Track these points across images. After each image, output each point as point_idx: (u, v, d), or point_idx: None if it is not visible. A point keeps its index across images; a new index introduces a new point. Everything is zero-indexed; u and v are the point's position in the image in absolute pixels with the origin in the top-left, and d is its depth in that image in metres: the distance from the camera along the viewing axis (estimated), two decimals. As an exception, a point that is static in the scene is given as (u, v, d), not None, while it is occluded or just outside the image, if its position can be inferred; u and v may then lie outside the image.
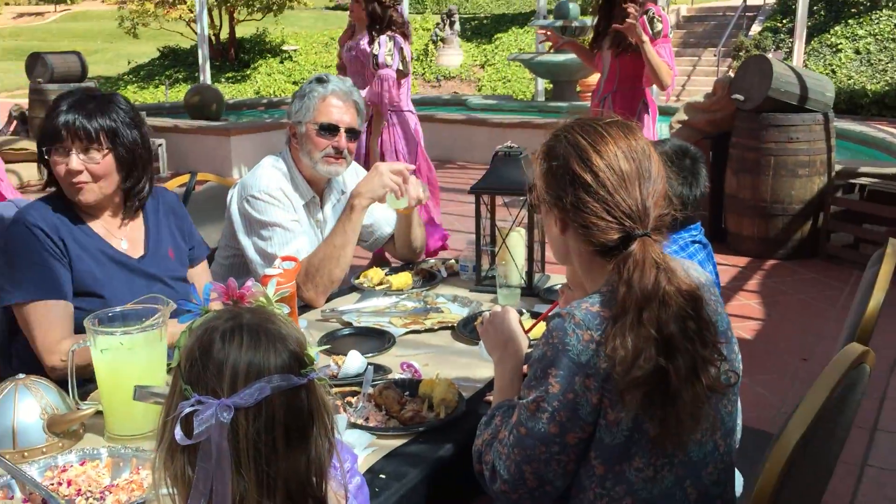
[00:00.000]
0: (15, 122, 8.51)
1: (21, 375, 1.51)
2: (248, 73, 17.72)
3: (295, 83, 17.03)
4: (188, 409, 0.88)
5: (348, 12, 5.58)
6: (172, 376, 0.97)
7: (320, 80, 2.45)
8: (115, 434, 1.52)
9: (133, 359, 1.52)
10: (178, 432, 0.88)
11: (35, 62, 8.36)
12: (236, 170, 8.05)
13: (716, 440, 1.28)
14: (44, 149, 1.84)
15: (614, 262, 1.24)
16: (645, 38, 3.89)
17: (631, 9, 3.93)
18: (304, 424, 0.94)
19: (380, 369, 1.79)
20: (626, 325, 1.17)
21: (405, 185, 2.38)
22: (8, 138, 8.12)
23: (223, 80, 16.99)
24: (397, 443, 1.49)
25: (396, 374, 1.77)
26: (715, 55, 14.17)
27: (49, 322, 1.80)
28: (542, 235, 2.39)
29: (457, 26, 17.23)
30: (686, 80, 14.08)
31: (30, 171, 7.76)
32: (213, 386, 0.90)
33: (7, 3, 34.35)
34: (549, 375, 1.21)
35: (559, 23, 9.92)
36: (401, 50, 4.56)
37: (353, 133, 2.42)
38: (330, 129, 2.38)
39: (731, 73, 9.40)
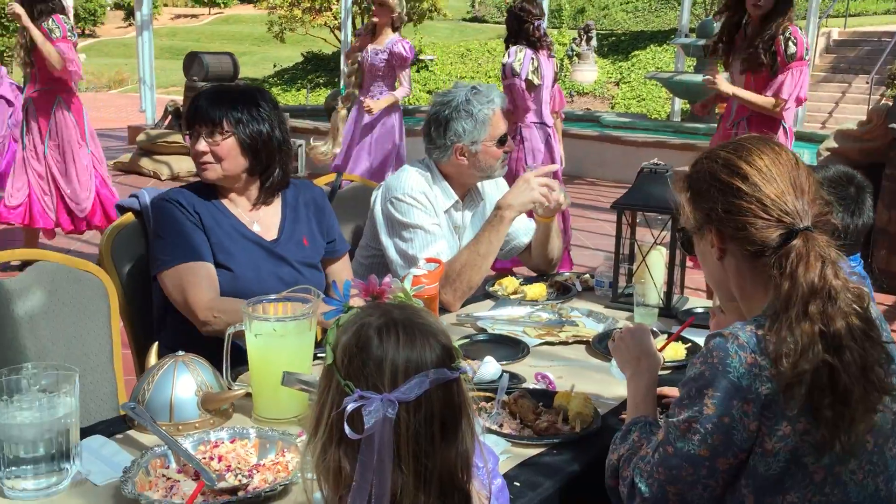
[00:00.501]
0: (169, 117, 9.02)
1: (180, 353, 1.60)
2: (384, 80, 18.12)
3: (429, 92, 17.30)
4: (353, 405, 0.91)
5: (373, 17, 5.77)
6: (323, 372, 1.00)
7: (479, 94, 2.46)
8: (261, 416, 1.59)
9: (283, 346, 1.59)
10: (347, 428, 0.90)
11: (192, 61, 8.86)
12: (369, 173, 8.27)
13: (878, 483, 1.21)
14: (185, 134, 2.09)
15: (775, 259, 1.20)
16: (733, 90, 3.84)
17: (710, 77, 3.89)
18: (456, 418, 0.96)
19: (514, 377, 1.79)
20: (790, 318, 1.13)
21: (552, 193, 2.39)
22: (162, 131, 8.62)
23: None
24: (531, 452, 1.49)
25: (530, 384, 1.77)
26: (867, 82, 13.44)
27: (198, 281, 1.93)
28: (683, 257, 2.34)
29: (594, 42, 17.08)
30: (834, 107, 13.43)
31: (179, 164, 8.23)
32: (374, 381, 0.93)
33: (165, 5, 36.52)
34: (704, 396, 1.18)
35: (701, 42, 9.68)
36: (532, 61, 4.62)
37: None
38: (503, 139, 2.47)
39: (887, 102, 8.91)
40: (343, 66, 11.13)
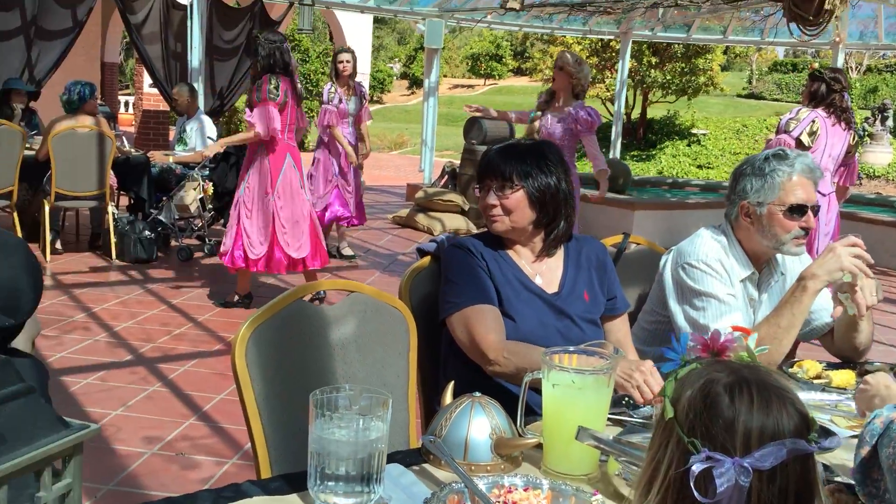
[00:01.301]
0: (446, 177, 9.53)
1: (477, 394, 1.61)
2: (653, 152, 17.95)
3: (700, 167, 16.83)
4: (701, 465, 0.84)
5: (552, 83, 5.43)
6: (659, 427, 0.94)
7: (781, 157, 2.33)
8: (551, 469, 1.55)
9: (580, 399, 1.55)
10: (695, 492, 0.84)
11: (472, 125, 9.30)
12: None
13: None
14: (474, 186, 2.15)
15: None
16: None
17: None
18: (810, 497, 0.86)
19: (826, 468, 1.61)
20: None
21: (864, 274, 2.16)
22: (438, 190, 9.10)
23: (628, 157, 17.40)
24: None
25: (843, 477, 1.58)
26: None
27: (487, 322, 1.95)
28: None
29: (889, 122, 15.73)
30: None
31: (452, 221, 8.62)
32: (724, 443, 0.85)
33: (444, 76, 39.03)
34: None
35: None
36: (811, 123, 4.35)
37: (816, 210, 2.29)
38: (799, 210, 2.26)
39: None
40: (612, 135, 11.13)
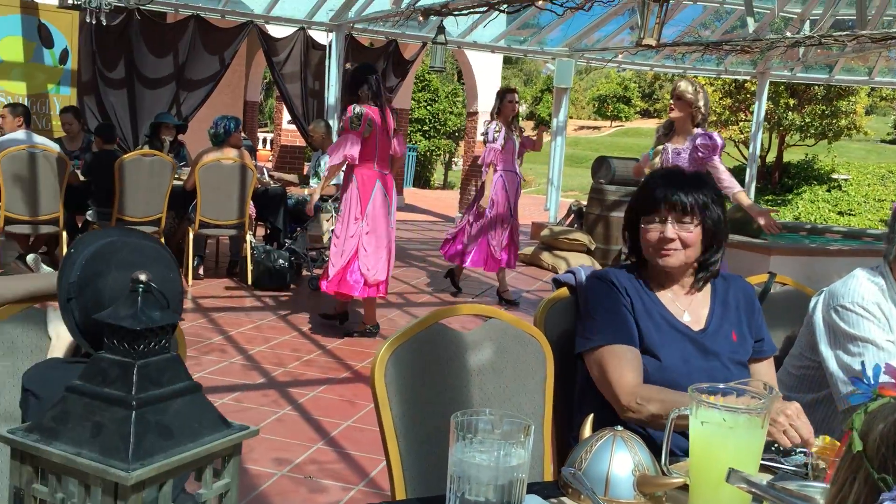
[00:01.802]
0: (572, 216, 9.45)
1: (619, 428, 1.56)
2: (789, 197, 17.24)
3: (840, 213, 16.03)
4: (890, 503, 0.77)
5: (670, 113, 5.00)
6: (846, 461, 0.87)
7: None
8: (697, 512, 1.47)
9: (731, 439, 1.46)
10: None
11: (601, 164, 9.21)
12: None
13: None
14: (640, 217, 2.00)
15: None
16: None
17: None
18: None
19: None
20: None
21: None
22: (564, 229, 9.03)
23: (762, 201, 16.77)
24: None
25: None
26: None
27: (624, 364, 1.87)
28: None
29: None
30: None
31: (577, 260, 8.52)
32: None
33: (571, 117, 39.00)
34: None
35: None
36: None
37: None
38: None
39: None
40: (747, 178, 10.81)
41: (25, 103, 7.19)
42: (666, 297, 2.02)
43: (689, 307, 2.03)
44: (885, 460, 0.81)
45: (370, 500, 3.02)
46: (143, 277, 0.87)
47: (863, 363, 1.42)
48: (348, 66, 5.49)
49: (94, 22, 6.70)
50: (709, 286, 2.06)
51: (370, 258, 5.31)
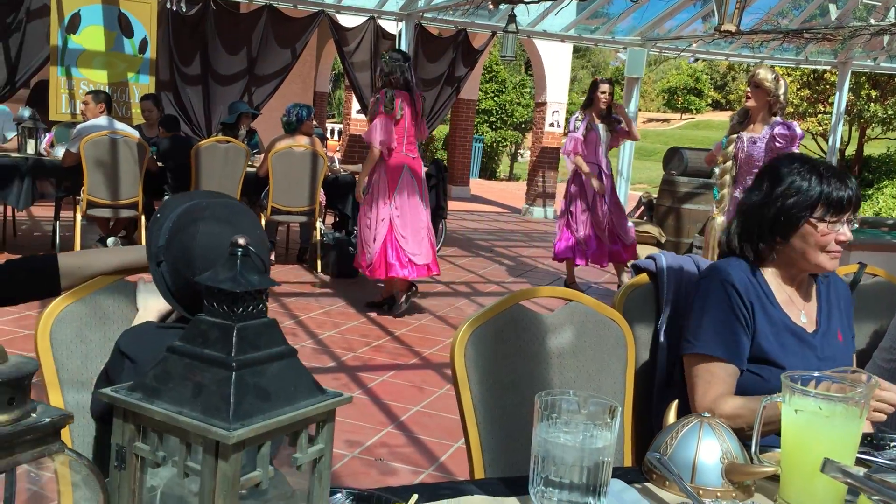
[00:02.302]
0: (642, 208, 9.30)
1: (706, 414, 1.51)
2: (870, 192, 16.64)
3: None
4: None
5: (747, 102, 4.83)
6: None
7: None
8: (788, 502, 1.42)
9: (827, 428, 1.41)
10: None
11: (673, 155, 9.04)
12: (849, 286, 7.53)
13: None
14: (804, 214, 1.82)
15: None
16: None
17: None
18: None
19: None
20: None
21: None
22: (634, 220, 8.88)
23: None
24: None
25: None
26: None
27: (713, 380, 1.81)
28: None
29: None
30: None
31: (648, 252, 8.38)
32: None
33: (640, 109, 38.42)
34: None
35: None
36: None
37: None
38: None
39: None
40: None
41: (107, 91, 7.40)
42: (783, 297, 1.91)
43: (806, 308, 1.95)
44: None
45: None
46: (241, 241, 0.87)
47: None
48: (382, 52, 5.53)
49: (173, 9, 6.84)
50: (814, 285, 1.99)
51: (411, 244, 5.39)
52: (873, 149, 18.97)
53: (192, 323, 0.87)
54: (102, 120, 6.40)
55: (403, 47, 9.36)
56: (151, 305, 1.58)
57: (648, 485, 1.46)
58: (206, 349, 0.85)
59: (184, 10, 6.91)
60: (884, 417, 1.68)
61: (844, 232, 1.82)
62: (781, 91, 4.80)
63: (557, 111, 12.92)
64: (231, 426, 0.80)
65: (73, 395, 1.50)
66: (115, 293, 1.58)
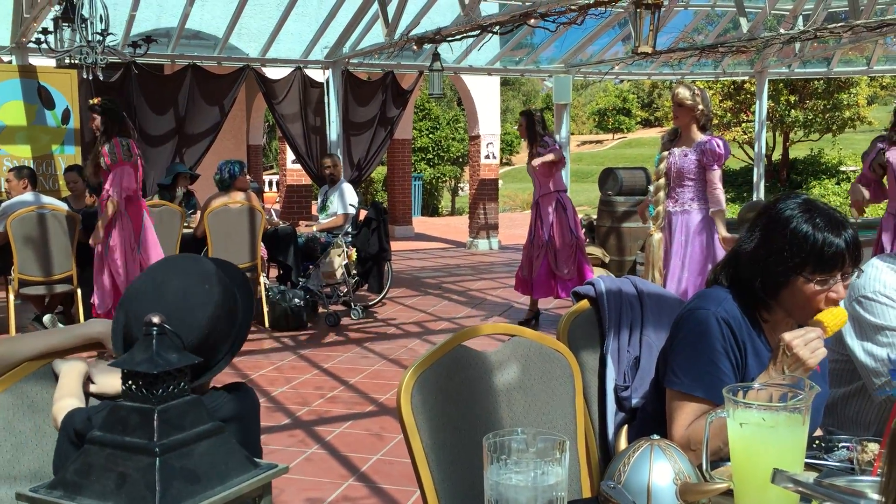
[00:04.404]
0: (584, 230, 9.40)
1: (655, 437, 1.51)
2: (799, 193, 17.18)
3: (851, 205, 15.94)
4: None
5: (674, 121, 4.99)
6: (891, 444, 0.83)
7: None
8: (744, 516, 1.43)
9: (773, 439, 1.42)
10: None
11: (607, 177, 9.19)
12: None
13: None
14: (815, 274, 1.70)
15: None
16: None
17: None
18: None
19: None
20: None
21: None
22: (577, 244, 8.98)
23: (771, 199, 16.72)
24: None
25: None
26: None
27: (689, 420, 1.76)
28: None
29: None
30: None
31: (594, 273, 8.48)
32: None
33: (571, 133, 39.07)
34: None
35: None
36: None
37: None
38: None
39: None
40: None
41: (31, 165, 7.24)
42: (773, 337, 1.82)
43: None
44: None
45: (406, 533, 2.97)
46: (155, 319, 0.84)
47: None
48: (96, 100, 5.44)
49: (90, 78, 6.76)
50: None
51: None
52: (798, 152, 19.59)
53: (111, 410, 0.84)
54: (28, 196, 6.25)
55: (332, 94, 9.39)
56: (111, 383, 1.53)
57: (607, 515, 1.45)
58: (126, 436, 0.82)
59: (101, 77, 6.81)
60: (820, 356, 1.66)
61: (839, 289, 1.71)
62: (703, 105, 4.92)
63: (491, 143, 13.06)
64: (158, 515, 0.77)
65: (4, 491, 1.43)
66: (42, 379, 1.52)
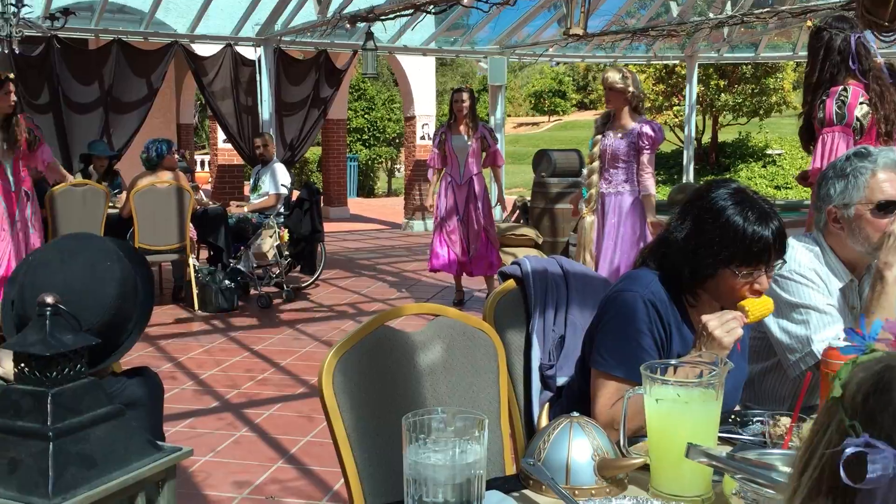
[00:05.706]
0: (517, 212, 9.47)
1: (575, 414, 1.53)
2: (727, 175, 17.59)
3: (777, 187, 16.39)
4: (853, 449, 0.76)
5: (607, 105, 5.07)
6: (823, 408, 0.86)
7: (862, 155, 2.19)
8: (660, 490, 1.45)
9: (687, 414, 1.45)
10: (842, 473, 0.76)
11: (541, 159, 9.25)
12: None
13: None
14: (741, 267, 1.75)
15: None
16: None
17: None
18: None
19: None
20: None
21: None
22: (511, 224, 9.04)
23: (701, 182, 17.09)
24: None
25: None
26: None
27: (614, 398, 1.78)
28: None
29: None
30: None
31: (525, 254, 8.54)
32: (889, 432, 0.77)
33: (509, 115, 39.23)
34: None
35: None
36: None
37: None
38: (888, 207, 2.11)
39: None
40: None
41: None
42: (698, 320, 1.82)
43: None
44: (858, 408, 0.79)
45: (335, 514, 2.97)
46: (49, 299, 0.81)
47: (850, 329, 1.38)
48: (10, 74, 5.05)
49: (7, 52, 6.49)
50: None
51: None
52: (727, 135, 20.06)
53: (2, 394, 0.81)
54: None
55: (264, 72, 9.22)
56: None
57: (526, 491, 1.47)
58: (19, 421, 0.79)
59: (17, 51, 6.54)
60: (736, 336, 1.72)
61: (762, 282, 1.77)
62: (633, 87, 4.97)
63: (427, 124, 13.02)
64: (51, 501, 0.74)
65: None
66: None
